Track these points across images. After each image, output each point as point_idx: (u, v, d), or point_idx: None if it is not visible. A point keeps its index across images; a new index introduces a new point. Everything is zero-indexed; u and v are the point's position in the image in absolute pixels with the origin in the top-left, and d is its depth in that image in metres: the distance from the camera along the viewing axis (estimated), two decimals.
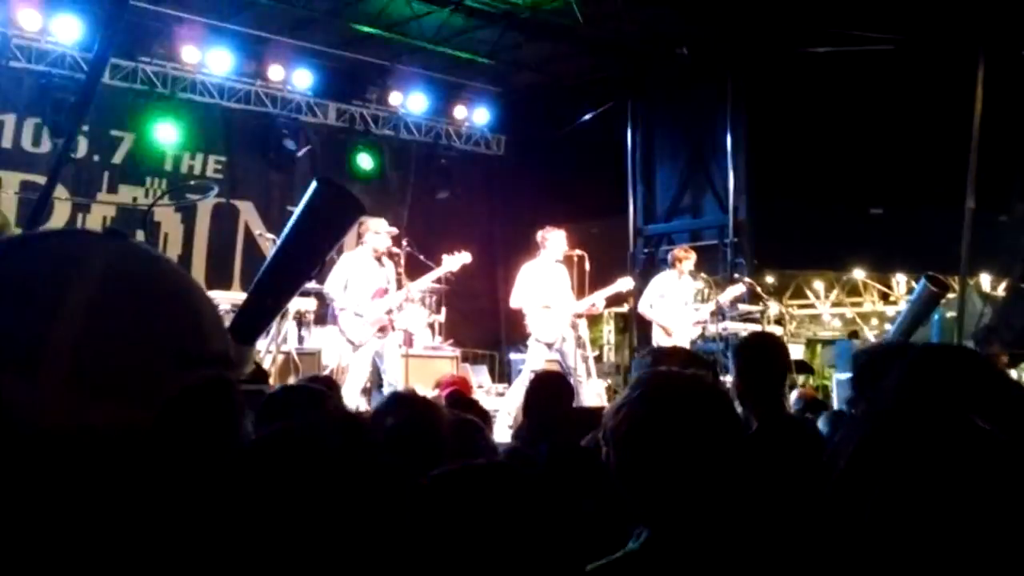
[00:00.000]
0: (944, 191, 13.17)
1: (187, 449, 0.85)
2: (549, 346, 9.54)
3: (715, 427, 1.82)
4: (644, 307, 11.00)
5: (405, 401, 3.00)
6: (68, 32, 11.23)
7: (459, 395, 5.68)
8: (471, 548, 1.49)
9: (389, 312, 9.04)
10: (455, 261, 9.58)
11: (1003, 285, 14.13)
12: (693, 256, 11.16)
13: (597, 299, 9.92)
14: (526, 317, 9.66)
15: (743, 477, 1.82)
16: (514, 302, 9.72)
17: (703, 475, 1.78)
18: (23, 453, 0.77)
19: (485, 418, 4.54)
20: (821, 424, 4.98)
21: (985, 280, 15.60)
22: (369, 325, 8.91)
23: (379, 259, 9.14)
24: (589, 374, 10.02)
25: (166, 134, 12.22)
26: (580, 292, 10.14)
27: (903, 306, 9.75)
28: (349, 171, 13.85)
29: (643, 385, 1.88)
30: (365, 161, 14.06)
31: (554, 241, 9.70)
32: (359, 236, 9.21)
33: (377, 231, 9.12)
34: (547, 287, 9.59)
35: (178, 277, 0.91)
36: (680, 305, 10.78)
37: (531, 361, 9.53)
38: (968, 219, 12.24)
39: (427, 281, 9.67)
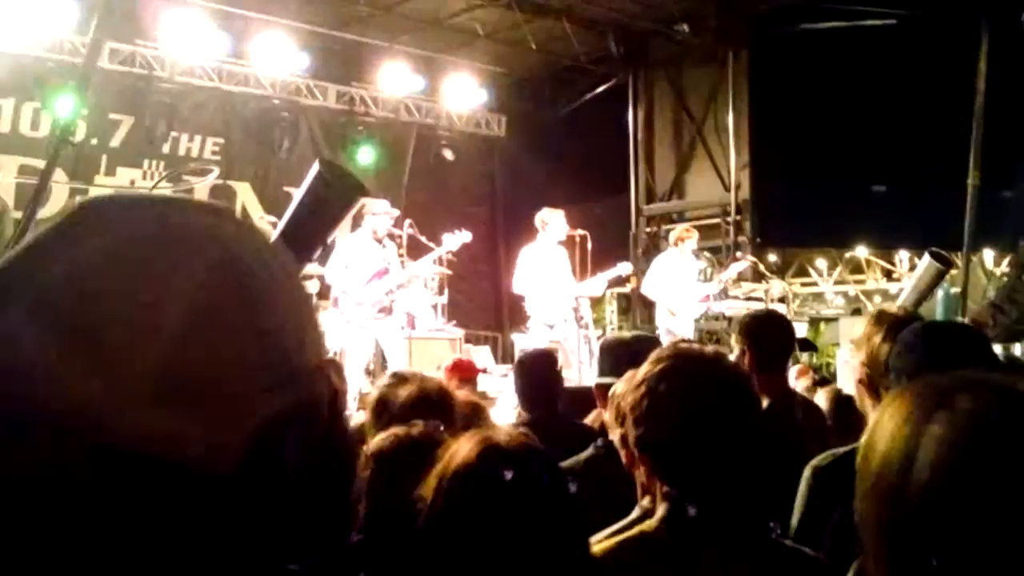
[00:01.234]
0: (947, 167, 13.12)
1: (278, 485, 0.74)
2: (550, 328, 9.52)
3: (736, 402, 1.80)
4: (648, 288, 10.96)
5: (412, 378, 2.98)
6: (65, 17, 11.15)
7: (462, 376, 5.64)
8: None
9: (389, 293, 8.98)
10: (455, 240, 9.55)
11: (1007, 261, 14.08)
12: (695, 234, 11.11)
13: (598, 282, 9.89)
14: (526, 299, 9.63)
15: (762, 452, 1.80)
16: (516, 287, 9.69)
17: (723, 450, 1.76)
18: (102, 468, 0.66)
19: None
20: (820, 400, 5.03)
21: (989, 256, 15.56)
22: (369, 307, 8.87)
23: (379, 241, 9.08)
24: (592, 354, 9.98)
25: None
26: (582, 272, 10.10)
27: (906, 283, 9.71)
28: (348, 153, 13.79)
29: (663, 360, 1.85)
30: (365, 155, 13.98)
31: (553, 223, 9.65)
32: (357, 218, 9.13)
33: (376, 212, 9.05)
34: (547, 269, 9.56)
35: (286, 271, 0.78)
36: (684, 284, 10.75)
37: (534, 343, 9.51)
38: (971, 195, 12.19)
39: (428, 261, 9.63)
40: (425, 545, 1.51)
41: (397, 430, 2.20)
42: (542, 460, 1.62)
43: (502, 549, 1.48)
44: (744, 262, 11.09)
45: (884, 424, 0.95)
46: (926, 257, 8.77)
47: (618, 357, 3.33)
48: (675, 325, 10.50)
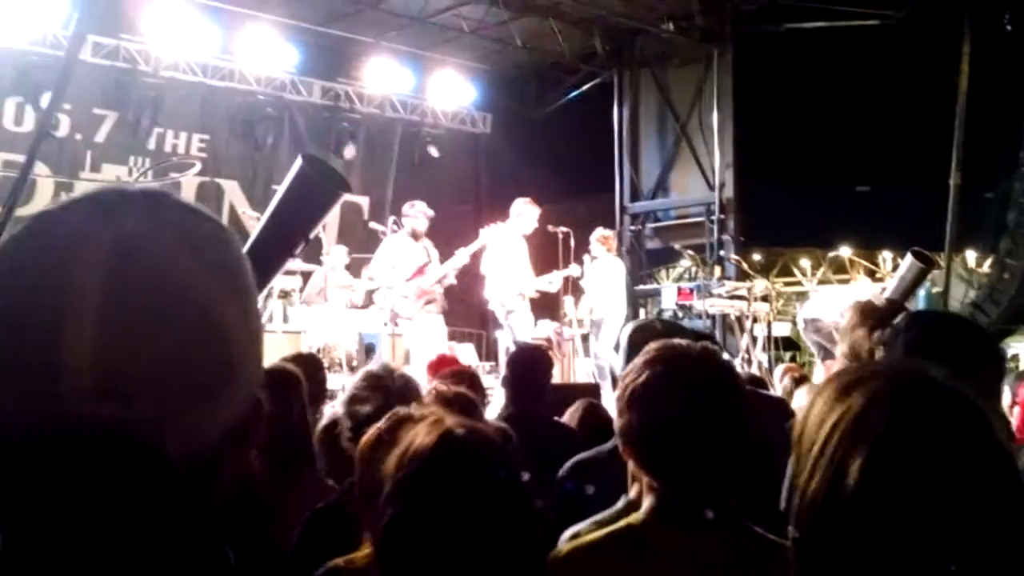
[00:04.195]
0: (930, 168, 13.20)
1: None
2: (508, 314, 9.49)
3: (721, 396, 1.81)
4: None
5: (386, 376, 2.99)
6: (50, 10, 11.09)
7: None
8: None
9: (441, 280, 9.32)
10: (491, 233, 9.60)
11: (988, 261, 14.19)
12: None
13: (553, 278, 9.80)
14: (487, 281, 9.55)
15: (749, 444, 1.81)
16: (483, 267, 9.58)
17: (709, 443, 1.77)
18: (58, 467, 0.67)
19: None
20: (800, 398, 5.04)
21: (971, 256, 15.65)
22: (414, 300, 9.16)
23: (418, 239, 9.39)
24: (576, 353, 10.01)
25: None
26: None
27: (890, 283, 9.74)
28: (334, 149, 13.76)
29: (651, 353, 1.87)
30: (351, 149, 13.96)
31: (527, 215, 9.54)
32: (402, 216, 9.44)
33: (416, 215, 9.36)
34: (509, 255, 9.47)
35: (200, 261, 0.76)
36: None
37: (519, 329, 9.44)
38: (953, 195, 12.27)
39: (465, 255, 9.63)
40: (384, 525, 1.53)
41: (378, 424, 2.21)
42: (496, 452, 1.63)
43: (448, 537, 1.51)
44: (566, 271, 10.36)
45: (815, 402, 1.07)
46: (909, 256, 8.82)
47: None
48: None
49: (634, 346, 3.43)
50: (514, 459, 1.71)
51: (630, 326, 3.70)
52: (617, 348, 3.32)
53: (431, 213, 9.50)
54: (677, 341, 1.96)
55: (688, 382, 1.80)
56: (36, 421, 0.67)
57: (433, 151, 14.82)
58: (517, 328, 9.30)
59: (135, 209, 0.74)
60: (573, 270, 10.01)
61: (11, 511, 0.69)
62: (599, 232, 10.62)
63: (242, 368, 0.76)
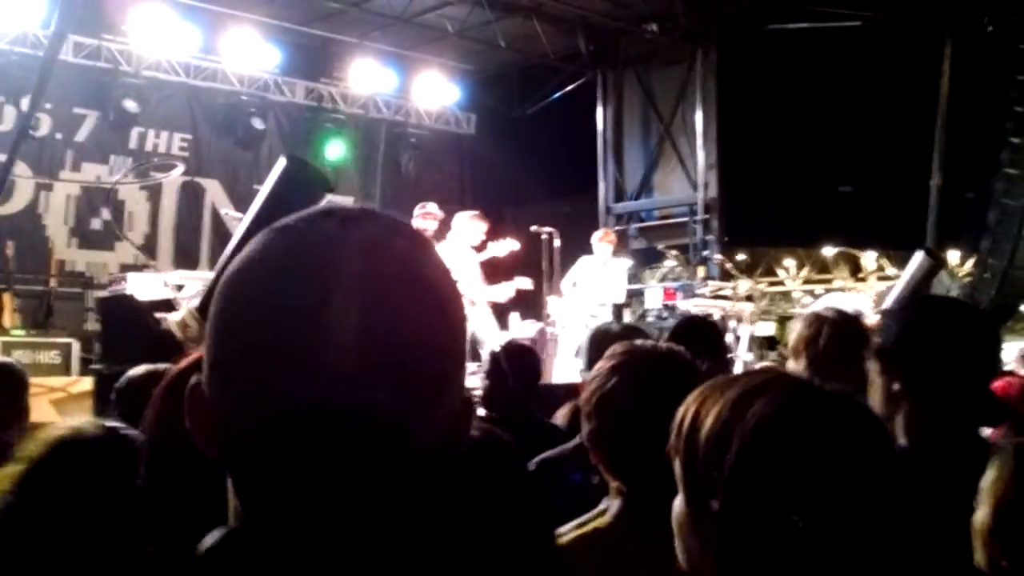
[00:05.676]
0: (912, 168, 13.26)
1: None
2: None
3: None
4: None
5: None
6: (30, 10, 11.01)
7: None
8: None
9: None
10: (503, 247, 9.60)
11: (970, 261, 14.26)
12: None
13: (504, 289, 9.70)
14: None
15: None
16: None
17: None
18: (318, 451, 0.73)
19: None
20: None
21: (953, 256, 15.73)
22: (484, 306, 9.31)
23: (477, 249, 9.48)
24: (557, 353, 10.01)
25: None
26: (549, 272, 10.15)
27: (897, 283, 9.67)
28: (317, 150, 13.73)
29: (615, 356, 1.86)
30: (334, 151, 13.90)
31: (467, 229, 9.51)
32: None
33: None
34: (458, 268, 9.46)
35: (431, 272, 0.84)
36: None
37: (482, 333, 9.40)
38: (934, 196, 12.33)
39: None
40: None
41: None
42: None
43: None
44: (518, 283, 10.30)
45: (708, 404, 1.17)
46: (918, 254, 8.76)
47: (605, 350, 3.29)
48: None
49: (595, 350, 3.44)
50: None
51: (589, 331, 3.70)
52: (578, 353, 3.31)
53: (440, 215, 9.47)
54: (641, 343, 1.95)
55: (652, 384, 1.79)
56: (306, 400, 0.74)
57: (416, 152, 14.82)
58: (479, 333, 9.25)
59: (368, 218, 0.82)
60: (523, 282, 9.84)
61: (270, 482, 0.75)
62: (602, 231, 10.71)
63: (464, 360, 0.84)
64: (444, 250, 9.37)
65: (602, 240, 10.62)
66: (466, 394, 0.85)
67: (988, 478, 1.28)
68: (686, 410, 1.20)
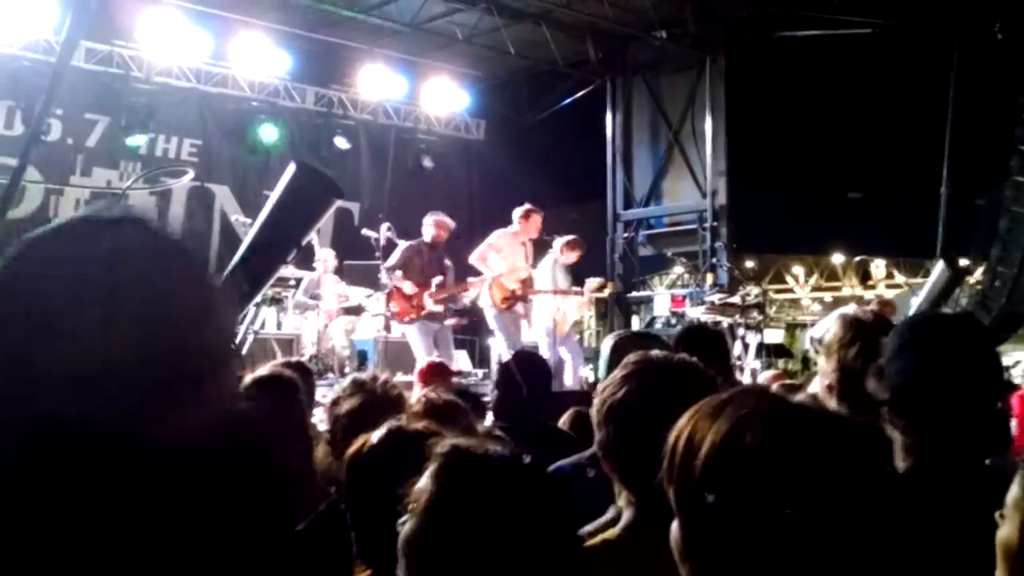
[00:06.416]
0: (921, 175, 13.22)
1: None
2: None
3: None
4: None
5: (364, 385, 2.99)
6: (43, 16, 11.07)
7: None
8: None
9: (444, 300, 9.50)
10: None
11: (980, 269, 14.21)
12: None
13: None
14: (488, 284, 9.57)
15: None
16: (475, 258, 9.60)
17: None
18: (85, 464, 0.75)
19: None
20: None
21: (962, 264, 15.68)
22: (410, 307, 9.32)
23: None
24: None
25: None
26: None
27: (920, 291, 9.59)
28: (324, 154, 13.74)
29: (629, 366, 1.85)
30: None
31: (531, 223, 9.58)
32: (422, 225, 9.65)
33: (429, 224, 9.57)
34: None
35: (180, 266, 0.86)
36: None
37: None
38: (944, 203, 12.30)
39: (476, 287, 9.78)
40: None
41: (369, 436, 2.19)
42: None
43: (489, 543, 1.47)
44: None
45: (701, 430, 1.21)
46: (940, 263, 8.65)
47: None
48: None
49: (616, 358, 3.41)
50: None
51: (612, 337, 3.68)
52: (597, 357, 3.30)
53: (451, 224, 9.60)
54: (656, 353, 1.94)
55: (665, 395, 1.77)
56: (38, 407, 0.75)
57: (426, 158, 14.84)
58: (504, 335, 9.35)
59: (124, 226, 0.84)
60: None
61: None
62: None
63: (224, 361, 0.86)
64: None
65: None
66: (231, 391, 0.86)
67: (1012, 494, 1.28)
68: (678, 436, 1.24)
